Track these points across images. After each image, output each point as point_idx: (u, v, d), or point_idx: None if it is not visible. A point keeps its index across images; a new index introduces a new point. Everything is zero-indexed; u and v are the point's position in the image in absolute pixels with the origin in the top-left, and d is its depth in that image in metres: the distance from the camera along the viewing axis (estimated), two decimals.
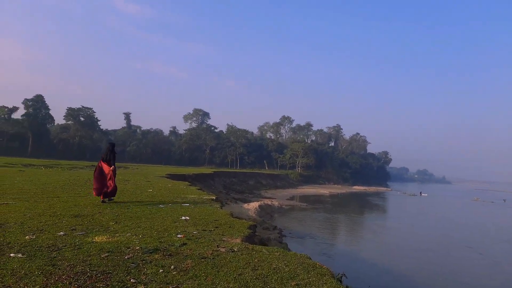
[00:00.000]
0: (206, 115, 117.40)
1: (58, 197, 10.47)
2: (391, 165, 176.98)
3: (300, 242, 20.40)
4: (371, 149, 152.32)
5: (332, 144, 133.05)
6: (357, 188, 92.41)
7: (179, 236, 6.16)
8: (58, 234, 5.73)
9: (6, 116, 78.97)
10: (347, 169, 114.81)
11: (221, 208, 11.11)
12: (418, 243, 23.90)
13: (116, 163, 10.36)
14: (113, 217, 7.65)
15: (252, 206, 29.92)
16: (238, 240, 6.30)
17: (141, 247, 5.16)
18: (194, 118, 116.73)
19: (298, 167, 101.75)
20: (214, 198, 13.64)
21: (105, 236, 5.75)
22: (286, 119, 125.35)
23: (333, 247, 20.58)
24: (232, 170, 70.87)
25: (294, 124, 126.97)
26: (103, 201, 9.79)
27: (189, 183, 22.03)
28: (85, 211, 8.23)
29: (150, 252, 4.93)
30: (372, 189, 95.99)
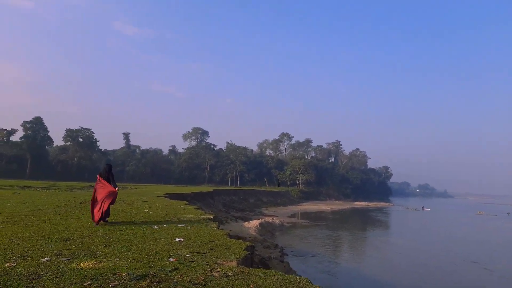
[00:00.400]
0: (205, 133, 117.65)
1: (49, 219, 10.12)
2: (392, 180, 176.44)
3: (302, 261, 19.91)
4: (372, 164, 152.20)
5: (332, 160, 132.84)
6: (359, 204, 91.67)
7: (170, 259, 5.82)
8: (42, 260, 5.40)
9: (4, 138, 79.07)
10: (348, 185, 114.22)
11: (219, 228, 10.73)
12: (421, 258, 23.36)
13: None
14: (103, 240, 7.30)
15: (253, 224, 29.47)
16: (234, 263, 5.95)
17: (128, 273, 4.82)
18: (193, 137, 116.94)
19: (299, 183, 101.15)
20: (212, 217, 13.26)
21: (92, 262, 5.41)
22: (285, 136, 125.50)
23: (336, 264, 20.07)
24: (232, 188, 70.27)
25: (293, 141, 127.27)
26: (97, 223, 9.44)
27: (187, 202, 21.61)
28: (75, 234, 7.88)
29: (137, 279, 4.60)
30: (374, 204, 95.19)
